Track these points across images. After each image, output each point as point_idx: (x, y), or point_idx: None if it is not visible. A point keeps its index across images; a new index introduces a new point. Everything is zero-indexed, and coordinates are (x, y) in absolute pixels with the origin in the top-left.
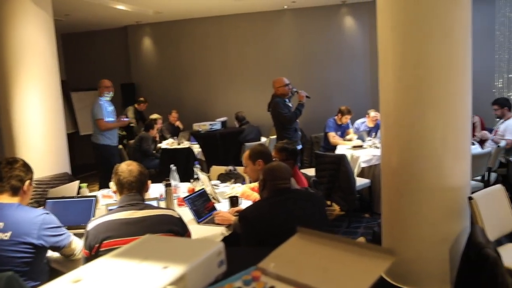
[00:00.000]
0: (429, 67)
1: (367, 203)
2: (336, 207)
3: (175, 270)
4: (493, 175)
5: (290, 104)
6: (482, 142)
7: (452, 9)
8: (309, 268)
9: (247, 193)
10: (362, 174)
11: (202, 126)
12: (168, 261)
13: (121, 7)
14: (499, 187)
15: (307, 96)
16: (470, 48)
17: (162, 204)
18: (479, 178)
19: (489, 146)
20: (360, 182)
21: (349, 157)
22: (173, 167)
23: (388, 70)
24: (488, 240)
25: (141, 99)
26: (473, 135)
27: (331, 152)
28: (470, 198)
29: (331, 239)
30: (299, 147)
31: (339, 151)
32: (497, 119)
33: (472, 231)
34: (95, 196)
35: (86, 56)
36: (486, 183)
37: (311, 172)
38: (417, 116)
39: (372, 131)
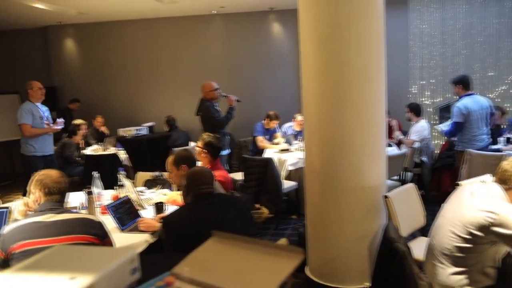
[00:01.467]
0: (347, 74)
1: (294, 205)
2: (264, 210)
3: (83, 281)
4: (409, 175)
5: (218, 109)
6: (399, 144)
7: (368, 20)
8: (222, 271)
9: (174, 198)
10: (289, 177)
11: (127, 132)
12: (76, 272)
13: (40, 6)
14: (411, 185)
15: (237, 100)
16: (384, 56)
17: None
18: (396, 177)
19: (405, 148)
20: (287, 184)
21: (276, 160)
22: (95, 174)
23: (309, 75)
24: (399, 236)
25: (75, 98)
26: (391, 137)
27: (259, 156)
28: (385, 197)
29: (245, 242)
30: (227, 151)
31: (267, 154)
32: (412, 122)
33: (385, 227)
34: (7, 208)
35: (0, 57)
36: (403, 182)
37: (239, 176)
38: (336, 120)
39: (299, 135)
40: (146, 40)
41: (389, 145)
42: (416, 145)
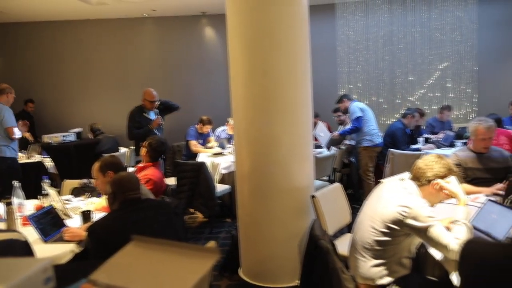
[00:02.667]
0: (274, 78)
1: (228, 208)
2: (198, 214)
3: None
4: (338, 175)
5: (150, 117)
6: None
7: (293, 25)
8: (139, 275)
9: (103, 205)
10: (222, 180)
11: (53, 138)
12: None
13: None
14: (337, 185)
15: (160, 124)
16: (309, 61)
17: (2, 225)
18: (326, 178)
19: (334, 149)
20: (221, 188)
21: (209, 164)
22: (16, 183)
23: (237, 79)
24: (324, 233)
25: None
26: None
27: (193, 160)
28: (313, 197)
29: (163, 245)
30: None
31: (200, 159)
32: (339, 125)
33: (311, 226)
34: None
35: None
36: (332, 182)
37: (172, 181)
38: (264, 123)
39: (232, 138)
40: (73, 43)
41: (320, 147)
42: (352, 142)
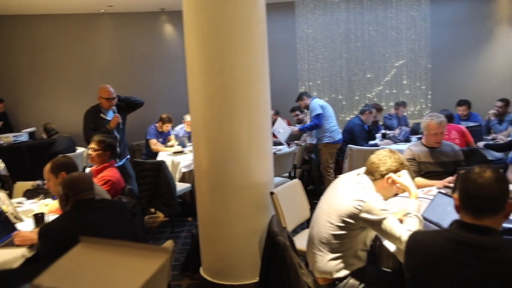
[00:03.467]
0: (232, 75)
1: (190, 207)
2: (159, 214)
3: None
4: (299, 171)
5: (108, 117)
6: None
7: (250, 23)
8: (87, 277)
9: (57, 207)
10: (183, 179)
11: (4, 139)
12: None
13: None
14: (296, 181)
15: (119, 123)
16: (267, 59)
17: None
18: (286, 174)
19: (294, 146)
20: (181, 187)
21: (170, 163)
22: None
23: (195, 77)
24: (282, 229)
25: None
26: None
27: (153, 159)
28: (272, 193)
29: (112, 245)
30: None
31: (160, 157)
32: (297, 124)
33: (269, 222)
34: None
35: None
36: (293, 179)
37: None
38: (222, 120)
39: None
40: (25, 39)
41: (280, 144)
42: (308, 140)
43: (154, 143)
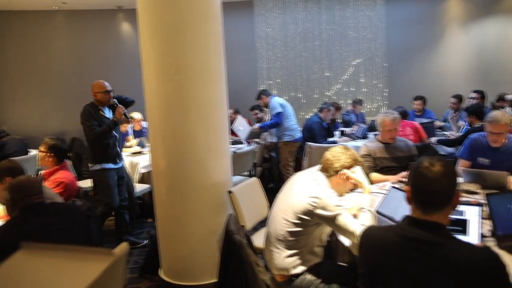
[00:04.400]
0: (188, 75)
1: (149, 208)
2: None
3: None
4: (259, 169)
5: (108, 115)
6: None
7: (206, 22)
8: (26, 284)
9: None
10: (142, 180)
11: None
12: None
13: None
14: (254, 179)
15: (125, 115)
16: (224, 57)
17: None
18: (247, 173)
19: (253, 144)
20: (140, 188)
21: (128, 164)
22: None
23: (150, 76)
24: (239, 227)
25: None
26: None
27: None
28: (229, 192)
29: (55, 250)
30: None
31: None
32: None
33: (226, 221)
34: None
35: None
36: (253, 177)
37: (87, 183)
38: (180, 120)
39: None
40: None
41: (240, 143)
42: (268, 138)
43: None
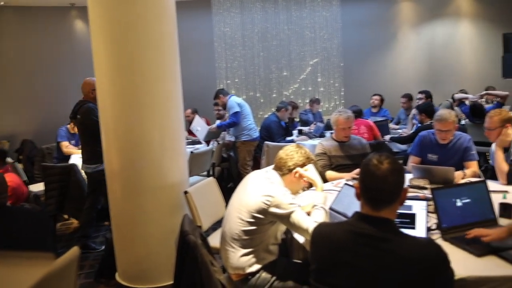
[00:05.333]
0: (142, 74)
1: (106, 211)
2: (74, 220)
3: None
4: (218, 169)
5: None
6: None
7: (159, 21)
8: None
9: None
10: None
11: None
12: None
13: None
14: (211, 179)
15: None
16: (178, 56)
17: None
18: (205, 173)
19: (212, 144)
20: None
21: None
22: None
23: (103, 75)
24: (194, 228)
25: None
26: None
27: (65, 162)
28: (185, 192)
29: None
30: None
31: (73, 161)
32: (218, 120)
33: (181, 222)
34: None
35: None
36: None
37: (39, 187)
38: (134, 120)
39: None
40: None
41: (199, 143)
42: (228, 137)
43: (66, 146)
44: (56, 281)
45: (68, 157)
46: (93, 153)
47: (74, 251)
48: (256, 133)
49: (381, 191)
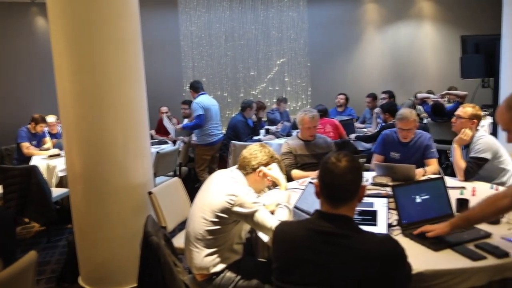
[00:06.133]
0: (104, 73)
1: (69, 213)
2: (35, 224)
3: None
4: (185, 169)
5: None
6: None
7: (121, 20)
8: None
9: None
10: (61, 184)
11: None
12: None
13: None
14: (176, 179)
15: None
16: (141, 56)
17: None
18: (172, 173)
19: (178, 144)
20: (58, 192)
21: (45, 167)
22: None
23: (63, 75)
24: (158, 228)
25: None
26: (162, 135)
27: (26, 164)
28: (150, 193)
29: None
30: None
31: (34, 162)
32: (184, 118)
33: (145, 223)
34: None
35: None
36: (179, 177)
37: None
38: (96, 120)
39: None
40: None
41: (166, 142)
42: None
43: (27, 147)
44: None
45: (28, 158)
46: None
47: (31, 255)
48: (213, 139)
49: (339, 189)
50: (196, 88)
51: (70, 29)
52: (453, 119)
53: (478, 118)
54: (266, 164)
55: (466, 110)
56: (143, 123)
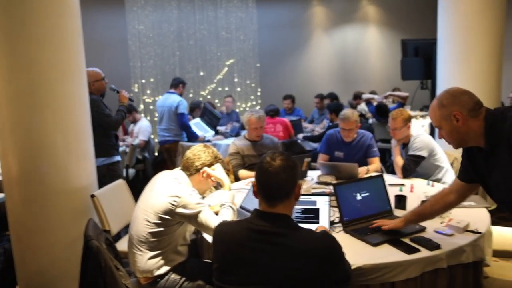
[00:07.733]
0: (42, 72)
1: (5, 219)
2: None
3: None
4: (132, 171)
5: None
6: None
7: (60, 18)
8: None
9: None
10: None
11: None
12: None
13: None
14: (120, 182)
15: (130, 99)
16: (83, 55)
17: None
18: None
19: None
20: None
21: None
22: None
23: None
24: (99, 232)
25: None
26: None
27: None
28: (92, 196)
29: None
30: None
31: None
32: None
33: (85, 226)
34: None
35: None
36: (126, 179)
37: None
38: (34, 121)
39: None
40: None
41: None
42: (136, 141)
43: None
44: None
45: None
46: (99, 146)
47: None
48: (159, 138)
49: (274, 188)
50: (175, 84)
51: (2, 26)
52: (391, 133)
53: (409, 119)
54: (210, 165)
55: (396, 121)
56: (85, 124)
